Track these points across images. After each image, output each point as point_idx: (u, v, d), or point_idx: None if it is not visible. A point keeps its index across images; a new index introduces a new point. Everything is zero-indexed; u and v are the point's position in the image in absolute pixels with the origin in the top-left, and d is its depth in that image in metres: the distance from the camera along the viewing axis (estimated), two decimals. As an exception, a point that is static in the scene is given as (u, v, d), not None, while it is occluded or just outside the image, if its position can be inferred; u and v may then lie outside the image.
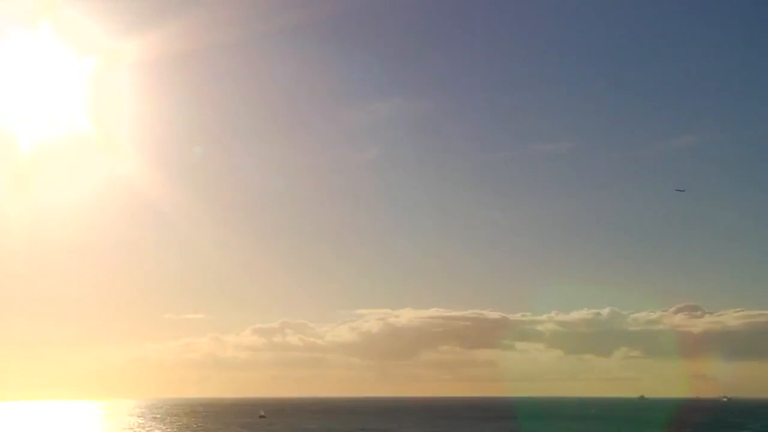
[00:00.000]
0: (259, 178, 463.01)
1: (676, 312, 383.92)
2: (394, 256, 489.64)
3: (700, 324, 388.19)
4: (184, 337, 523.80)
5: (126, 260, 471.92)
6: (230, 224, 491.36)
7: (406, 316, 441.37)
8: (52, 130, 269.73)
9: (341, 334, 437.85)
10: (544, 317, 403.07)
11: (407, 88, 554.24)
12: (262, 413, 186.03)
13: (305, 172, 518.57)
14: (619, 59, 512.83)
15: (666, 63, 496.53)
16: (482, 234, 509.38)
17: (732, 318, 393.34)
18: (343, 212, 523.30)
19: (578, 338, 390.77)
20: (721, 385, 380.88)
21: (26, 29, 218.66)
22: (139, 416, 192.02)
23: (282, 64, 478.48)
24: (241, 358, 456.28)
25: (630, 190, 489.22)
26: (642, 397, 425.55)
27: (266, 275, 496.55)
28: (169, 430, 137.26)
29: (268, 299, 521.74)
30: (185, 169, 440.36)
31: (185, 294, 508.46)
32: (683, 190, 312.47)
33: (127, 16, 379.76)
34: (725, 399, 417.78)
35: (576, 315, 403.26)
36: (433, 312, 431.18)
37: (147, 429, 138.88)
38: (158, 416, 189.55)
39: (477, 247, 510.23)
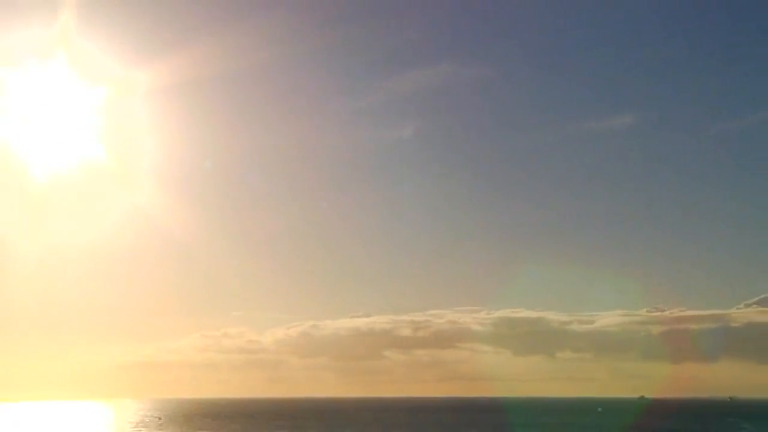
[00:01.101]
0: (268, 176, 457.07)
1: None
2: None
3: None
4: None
5: (136, 277, 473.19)
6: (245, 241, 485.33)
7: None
8: (65, 159, 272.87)
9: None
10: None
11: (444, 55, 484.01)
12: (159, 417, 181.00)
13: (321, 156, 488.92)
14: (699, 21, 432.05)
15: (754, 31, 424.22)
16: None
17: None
18: (358, 200, 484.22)
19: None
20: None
21: (41, 60, 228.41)
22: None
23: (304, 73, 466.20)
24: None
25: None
26: (642, 398, 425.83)
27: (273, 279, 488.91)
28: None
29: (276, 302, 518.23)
30: (199, 193, 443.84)
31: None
32: None
33: (140, 45, 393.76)
34: (729, 399, 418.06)
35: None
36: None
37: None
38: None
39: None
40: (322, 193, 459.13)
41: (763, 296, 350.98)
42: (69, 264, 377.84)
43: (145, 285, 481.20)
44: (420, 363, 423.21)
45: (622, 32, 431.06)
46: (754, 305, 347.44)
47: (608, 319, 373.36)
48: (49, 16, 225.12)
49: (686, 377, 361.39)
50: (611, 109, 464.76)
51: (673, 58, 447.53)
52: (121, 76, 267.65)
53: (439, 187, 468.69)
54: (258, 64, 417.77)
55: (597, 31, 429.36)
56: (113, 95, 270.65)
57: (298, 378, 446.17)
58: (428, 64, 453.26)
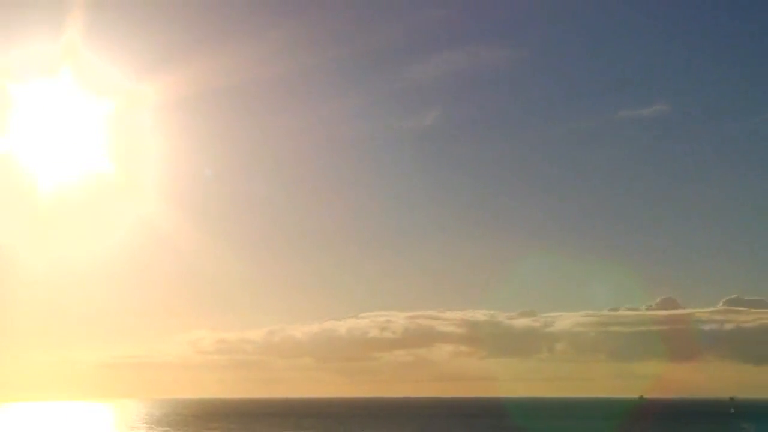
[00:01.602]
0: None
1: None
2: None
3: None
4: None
5: (137, 281, 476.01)
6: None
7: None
8: (73, 172, 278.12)
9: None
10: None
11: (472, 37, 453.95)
12: None
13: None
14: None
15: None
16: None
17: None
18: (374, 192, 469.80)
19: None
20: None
21: (48, 74, 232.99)
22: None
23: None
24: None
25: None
26: (641, 398, 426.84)
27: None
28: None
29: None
30: (204, 205, 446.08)
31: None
32: None
33: (147, 59, 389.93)
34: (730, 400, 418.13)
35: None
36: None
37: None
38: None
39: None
40: (325, 194, 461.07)
41: (734, 296, 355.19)
42: (74, 272, 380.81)
43: (147, 290, 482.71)
44: (404, 363, 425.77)
45: (662, 18, 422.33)
46: (723, 305, 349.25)
47: (575, 318, 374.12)
48: (56, 30, 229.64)
49: (669, 378, 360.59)
50: (647, 97, 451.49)
51: (714, 46, 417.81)
52: (127, 89, 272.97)
53: (447, 183, 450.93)
54: (271, 70, 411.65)
55: (635, 15, 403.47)
56: (120, 108, 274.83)
57: (283, 378, 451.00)
58: (453, 47, 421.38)
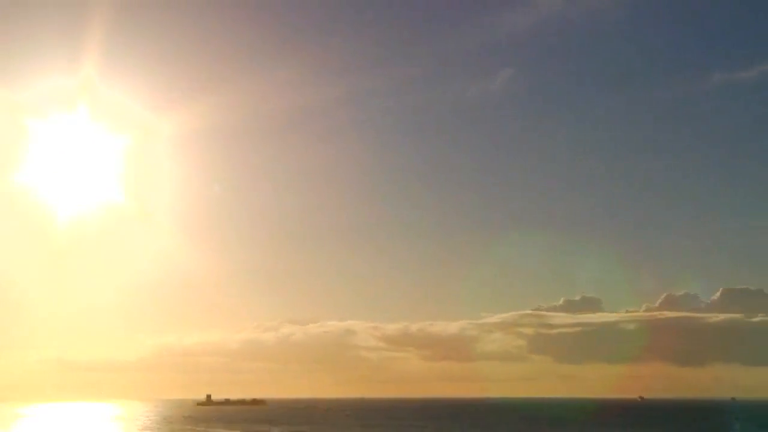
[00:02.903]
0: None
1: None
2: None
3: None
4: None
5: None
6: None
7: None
8: (89, 205, 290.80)
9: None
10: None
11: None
12: None
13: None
14: None
15: None
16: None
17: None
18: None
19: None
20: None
21: (65, 109, 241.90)
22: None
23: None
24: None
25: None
26: (641, 398, 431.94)
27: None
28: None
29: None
30: (219, 238, 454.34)
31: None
32: None
33: (160, 94, 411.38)
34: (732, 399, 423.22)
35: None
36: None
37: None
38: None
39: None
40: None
41: (668, 294, 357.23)
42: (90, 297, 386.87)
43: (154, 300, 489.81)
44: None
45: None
46: (660, 304, 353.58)
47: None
48: (73, 66, 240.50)
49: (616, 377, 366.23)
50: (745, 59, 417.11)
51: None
52: (142, 124, 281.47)
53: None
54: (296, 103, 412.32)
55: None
56: (135, 142, 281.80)
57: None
58: (528, 1, 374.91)
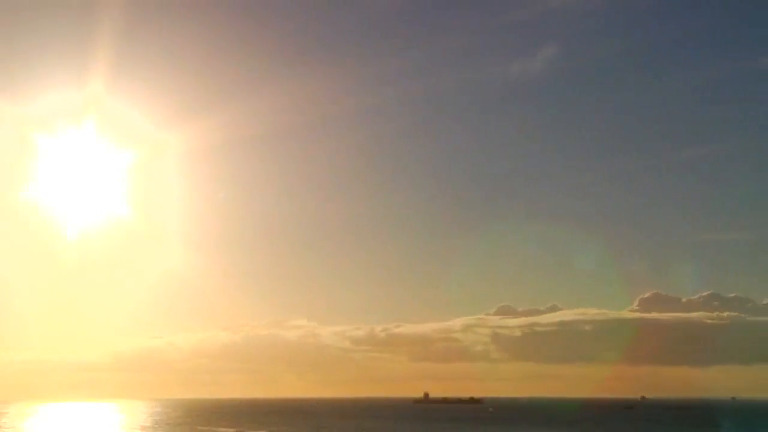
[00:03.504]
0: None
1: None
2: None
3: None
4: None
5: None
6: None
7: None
8: (96, 220, 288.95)
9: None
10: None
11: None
12: None
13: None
14: None
15: None
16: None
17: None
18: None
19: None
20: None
21: (72, 124, 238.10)
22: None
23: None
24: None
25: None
26: (643, 398, 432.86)
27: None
28: None
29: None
30: (227, 253, 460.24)
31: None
32: None
33: (167, 109, 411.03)
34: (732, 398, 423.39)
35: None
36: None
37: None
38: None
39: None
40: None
41: (648, 294, 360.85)
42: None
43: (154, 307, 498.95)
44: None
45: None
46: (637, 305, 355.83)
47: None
48: (80, 81, 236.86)
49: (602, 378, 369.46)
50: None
51: None
52: (149, 139, 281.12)
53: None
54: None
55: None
56: (142, 157, 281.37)
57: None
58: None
